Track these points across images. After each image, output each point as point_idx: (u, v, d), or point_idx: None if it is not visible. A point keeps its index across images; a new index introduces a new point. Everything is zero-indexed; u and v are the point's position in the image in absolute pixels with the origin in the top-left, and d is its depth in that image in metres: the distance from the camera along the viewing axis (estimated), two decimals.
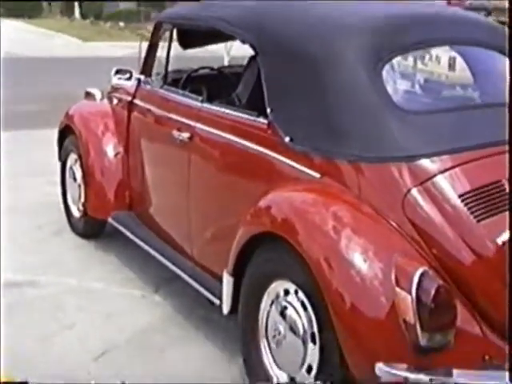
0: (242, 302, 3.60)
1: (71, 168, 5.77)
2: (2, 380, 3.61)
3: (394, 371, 2.80)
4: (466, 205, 3.09)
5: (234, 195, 3.90)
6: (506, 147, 3.29)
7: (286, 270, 3.28)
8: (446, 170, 3.19)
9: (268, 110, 3.67)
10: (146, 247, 4.75)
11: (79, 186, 5.60)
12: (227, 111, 4.05)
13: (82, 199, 5.55)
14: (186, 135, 4.25)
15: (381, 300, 2.87)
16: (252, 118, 3.80)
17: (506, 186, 3.16)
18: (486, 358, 2.90)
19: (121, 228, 5.11)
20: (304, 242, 3.10)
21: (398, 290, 2.84)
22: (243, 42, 4.02)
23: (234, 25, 4.11)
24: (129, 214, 5.23)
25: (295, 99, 3.63)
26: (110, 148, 5.39)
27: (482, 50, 3.99)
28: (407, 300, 2.79)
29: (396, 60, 3.73)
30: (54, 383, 3.68)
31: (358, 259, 2.95)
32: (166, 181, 4.73)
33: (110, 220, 5.26)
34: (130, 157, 5.24)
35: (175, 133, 4.35)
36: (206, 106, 4.23)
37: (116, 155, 5.35)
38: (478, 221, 3.07)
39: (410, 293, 2.79)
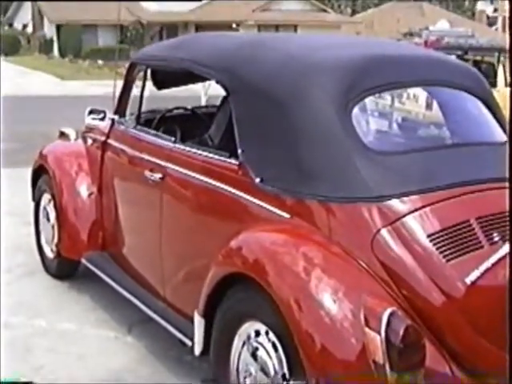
0: (214, 343, 3.58)
1: (45, 208, 5.74)
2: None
3: None
4: (434, 245, 3.12)
5: (206, 236, 3.89)
6: (476, 187, 3.33)
7: (257, 311, 3.28)
8: (416, 210, 3.21)
9: (239, 151, 3.68)
10: (119, 288, 4.72)
11: (53, 226, 5.57)
12: (199, 152, 4.05)
13: (56, 240, 5.52)
14: (157, 175, 4.25)
15: (350, 341, 2.87)
16: (223, 158, 3.81)
17: (475, 226, 3.19)
18: None
19: (93, 269, 5.07)
20: (274, 282, 3.10)
21: (367, 330, 2.84)
22: (217, 82, 4.05)
23: (206, 66, 4.13)
24: (102, 254, 5.20)
25: (266, 140, 3.65)
26: (84, 188, 5.38)
27: (452, 90, 4.01)
28: (376, 340, 2.80)
29: (368, 100, 3.77)
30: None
31: (327, 300, 2.95)
32: (139, 221, 4.73)
33: (83, 260, 5.23)
34: (103, 197, 5.23)
35: (147, 173, 4.35)
36: (178, 146, 4.23)
37: (89, 195, 5.34)
38: (447, 261, 3.09)
39: (379, 333, 2.79)
